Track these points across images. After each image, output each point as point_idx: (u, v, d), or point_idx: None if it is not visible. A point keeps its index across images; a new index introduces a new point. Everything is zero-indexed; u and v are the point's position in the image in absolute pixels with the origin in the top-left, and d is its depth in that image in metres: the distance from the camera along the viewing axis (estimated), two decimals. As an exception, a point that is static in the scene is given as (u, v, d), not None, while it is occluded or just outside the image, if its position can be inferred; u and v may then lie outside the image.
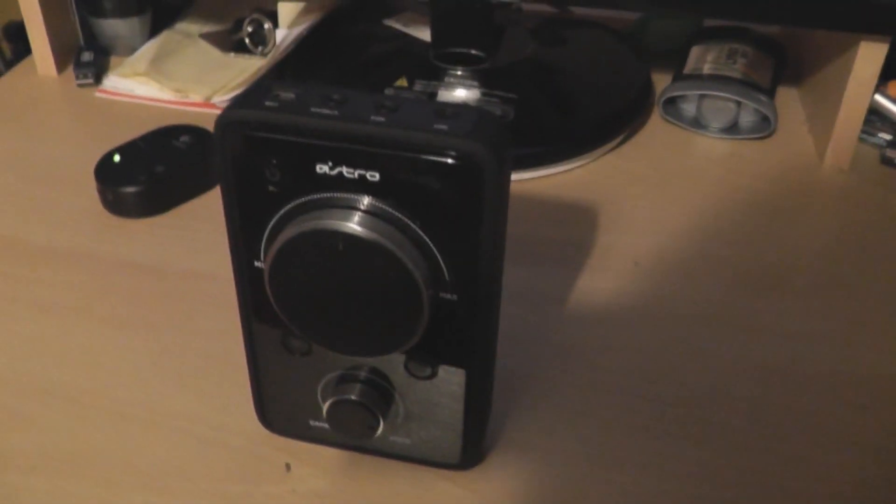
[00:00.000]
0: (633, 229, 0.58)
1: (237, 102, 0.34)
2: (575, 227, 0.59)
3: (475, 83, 0.65)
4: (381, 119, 0.32)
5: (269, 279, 0.35)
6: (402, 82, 0.65)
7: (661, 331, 0.50)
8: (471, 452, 0.41)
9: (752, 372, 0.48)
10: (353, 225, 0.33)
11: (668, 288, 0.54)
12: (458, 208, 0.33)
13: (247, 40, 0.74)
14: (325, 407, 0.39)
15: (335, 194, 0.34)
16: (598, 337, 0.50)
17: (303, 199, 0.34)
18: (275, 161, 0.34)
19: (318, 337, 0.37)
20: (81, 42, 0.78)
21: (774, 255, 0.57)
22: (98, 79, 0.75)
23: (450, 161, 0.31)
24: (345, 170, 0.33)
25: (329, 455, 0.43)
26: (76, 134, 0.70)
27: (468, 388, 0.38)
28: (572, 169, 0.64)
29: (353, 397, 0.38)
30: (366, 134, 0.32)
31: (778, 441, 0.44)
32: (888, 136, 0.69)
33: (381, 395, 0.39)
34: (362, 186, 0.33)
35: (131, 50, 0.77)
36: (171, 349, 0.50)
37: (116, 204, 0.60)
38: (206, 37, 0.77)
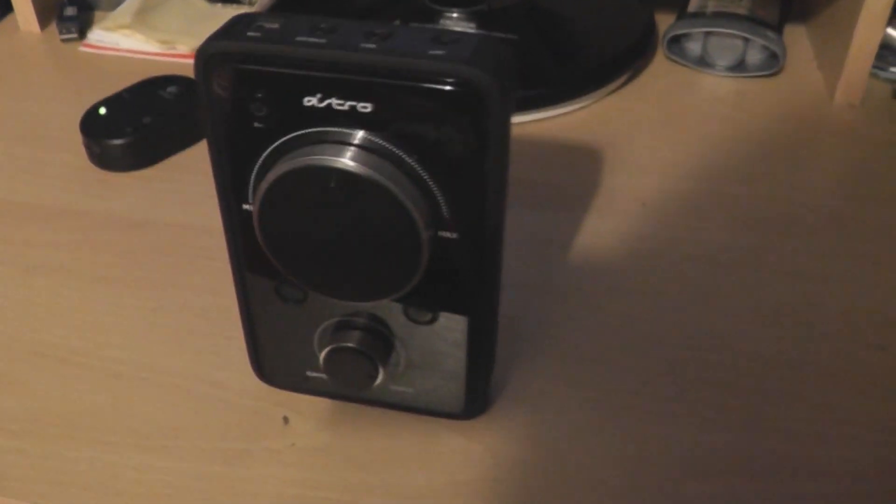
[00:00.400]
0: (638, 170, 0.56)
1: (218, 34, 0.32)
2: (578, 169, 0.57)
3: (472, 25, 0.62)
4: (372, 46, 0.30)
5: (258, 222, 0.34)
6: (396, 26, 0.62)
7: (668, 273, 0.49)
8: (475, 402, 0.39)
9: (762, 313, 0.46)
10: (346, 160, 0.31)
11: (676, 229, 0.52)
12: (458, 140, 0.31)
13: (234, -10, 0.72)
14: (322, 356, 0.37)
15: (326, 128, 0.32)
16: (605, 281, 0.48)
17: (292, 135, 0.32)
18: (260, 95, 0.32)
19: (312, 282, 0.35)
20: (64, -3, 0.75)
21: (784, 194, 0.55)
22: (82, 33, 0.73)
23: (447, 88, 0.29)
24: (335, 101, 0.31)
25: (329, 407, 0.41)
26: (61, 90, 0.68)
27: (471, 334, 0.36)
28: (574, 111, 0.61)
29: (350, 345, 0.37)
30: (355, 62, 0.30)
31: (792, 383, 0.42)
32: (900, 71, 0.67)
33: (380, 342, 0.37)
34: (354, 119, 0.31)
35: (115, 4, 0.75)
36: (164, 306, 0.48)
37: (103, 157, 0.58)
38: (192, -13, 0.75)
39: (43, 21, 0.73)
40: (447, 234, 0.33)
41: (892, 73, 0.67)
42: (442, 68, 0.29)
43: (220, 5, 0.72)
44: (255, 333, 0.40)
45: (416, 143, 0.31)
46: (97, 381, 0.44)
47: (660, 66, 0.68)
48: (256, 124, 0.32)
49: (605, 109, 0.63)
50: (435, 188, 0.32)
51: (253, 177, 0.34)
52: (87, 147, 0.58)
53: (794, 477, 0.38)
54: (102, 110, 0.60)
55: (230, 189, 0.35)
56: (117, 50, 0.70)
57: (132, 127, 0.57)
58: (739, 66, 0.66)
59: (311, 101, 0.31)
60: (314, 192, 0.32)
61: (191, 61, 0.66)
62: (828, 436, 0.40)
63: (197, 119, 0.59)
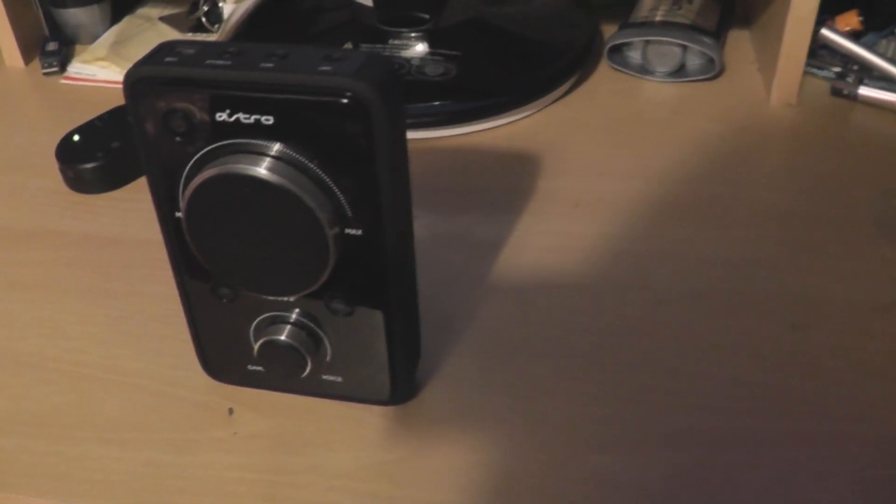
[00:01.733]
0: (576, 173, 0.60)
1: (142, 61, 0.36)
2: (517, 175, 0.60)
3: (419, 44, 0.66)
4: (270, 65, 0.34)
5: (185, 227, 0.37)
6: (348, 47, 0.66)
7: (598, 268, 0.52)
8: (401, 388, 0.43)
9: (686, 299, 0.49)
10: (254, 168, 0.35)
11: (607, 227, 0.55)
12: (349, 146, 0.34)
13: (203, 20, 0.76)
14: (255, 349, 0.41)
15: (237, 140, 0.35)
16: (536, 277, 0.51)
17: (209, 147, 0.36)
18: (178, 112, 0.35)
19: (237, 279, 0.39)
20: (46, 33, 0.80)
21: (720, 190, 0.58)
22: (63, 67, 0.77)
23: (334, 100, 0.33)
24: (241, 116, 0.35)
25: (270, 398, 0.45)
26: (41, 120, 0.72)
27: (387, 325, 0.40)
28: (518, 120, 0.65)
29: (279, 338, 0.40)
30: (254, 80, 0.34)
31: (712, 364, 0.45)
32: (837, 69, 0.70)
33: (307, 334, 0.41)
34: (261, 131, 0.35)
35: (94, 37, 0.79)
36: (128, 314, 0.52)
37: (77, 181, 0.62)
38: (165, 20, 0.79)
39: (27, 56, 0.78)
40: (352, 231, 0.36)
41: (830, 71, 0.70)
42: (328, 82, 0.33)
43: (191, 35, 0.77)
44: (199, 333, 0.44)
45: (314, 149, 0.35)
46: (66, 383, 0.47)
47: (603, 75, 0.71)
48: (178, 139, 0.36)
49: (547, 117, 0.66)
50: (336, 189, 0.35)
51: (181, 187, 0.38)
52: (63, 172, 0.62)
53: (717, 448, 0.41)
54: (76, 137, 0.64)
55: (163, 199, 0.39)
56: (94, 81, 0.74)
57: (103, 152, 0.62)
58: (679, 72, 0.70)
59: (221, 116, 0.35)
60: (230, 198, 0.36)
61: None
62: (749, 412, 0.43)
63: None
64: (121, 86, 0.36)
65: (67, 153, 0.62)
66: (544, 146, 0.63)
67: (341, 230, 0.36)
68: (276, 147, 0.35)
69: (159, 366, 0.48)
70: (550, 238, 0.54)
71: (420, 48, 0.66)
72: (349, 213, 0.36)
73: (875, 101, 0.66)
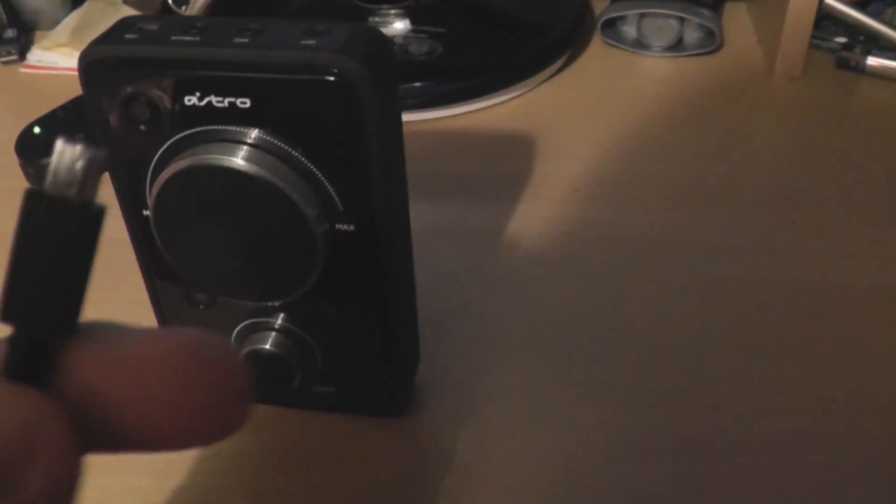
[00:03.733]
0: (572, 155, 0.56)
1: (98, 39, 0.32)
2: (511, 158, 0.56)
3: (402, 21, 0.62)
4: (245, 41, 0.30)
5: (154, 227, 0.33)
6: (327, 27, 0.62)
7: (600, 256, 0.48)
8: (400, 398, 0.39)
9: (697, 289, 0.46)
10: (230, 158, 0.31)
11: (610, 212, 0.51)
12: (337, 130, 0.30)
13: (170, 2, 0.72)
14: (237, 360, 0.37)
15: (210, 127, 0.31)
16: (536, 268, 0.48)
17: (177, 137, 0.32)
18: (141, 97, 0.31)
19: (213, 285, 0.35)
20: (4, 19, 0.75)
21: (724, 170, 0.55)
22: (23, 55, 0.72)
23: (317, 78, 0.29)
24: (214, 99, 0.31)
25: (257, 413, 0.41)
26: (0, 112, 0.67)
27: (384, 328, 0.36)
28: (508, 100, 0.61)
29: (262, 347, 0.36)
30: (227, 58, 0.30)
31: (727, 360, 0.42)
32: (843, 40, 0.66)
33: (294, 342, 0.37)
34: (236, 116, 0.31)
35: (55, 23, 0.75)
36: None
37: (40, 178, 0.57)
38: (130, 3, 0.74)
39: (-17, 46, 0.73)
40: (344, 227, 0.32)
41: (835, 42, 0.67)
42: (310, 58, 0.29)
43: (156, 18, 0.72)
44: (174, 342, 0.39)
45: (298, 135, 0.31)
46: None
47: (596, 51, 0.67)
48: (142, 128, 0.32)
49: (539, 97, 0.62)
50: (325, 180, 0.31)
51: (148, 182, 0.33)
52: (23, 168, 0.58)
53: (733, 454, 0.38)
54: (37, 130, 0.59)
55: (129, 196, 0.34)
56: (56, 69, 0.70)
57: (65, 144, 0.57)
58: (677, 46, 0.66)
59: (191, 100, 0.31)
60: (204, 194, 0.31)
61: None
62: (766, 409, 0.40)
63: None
64: (82, 72, 0.32)
65: (28, 148, 0.58)
66: (537, 127, 0.59)
67: (331, 226, 0.32)
68: (255, 134, 0.31)
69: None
70: (551, 225, 0.50)
71: (402, 25, 0.62)
72: (340, 206, 0.32)
73: (883, 71, 0.63)
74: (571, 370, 0.42)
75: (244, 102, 0.30)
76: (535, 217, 0.51)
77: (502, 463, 0.38)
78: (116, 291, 0.47)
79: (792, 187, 0.53)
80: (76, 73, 0.32)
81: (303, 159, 0.31)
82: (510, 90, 0.60)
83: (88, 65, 0.31)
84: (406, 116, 0.57)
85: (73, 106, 0.61)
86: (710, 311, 0.44)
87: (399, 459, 0.38)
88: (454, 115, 0.59)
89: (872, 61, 0.63)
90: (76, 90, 0.63)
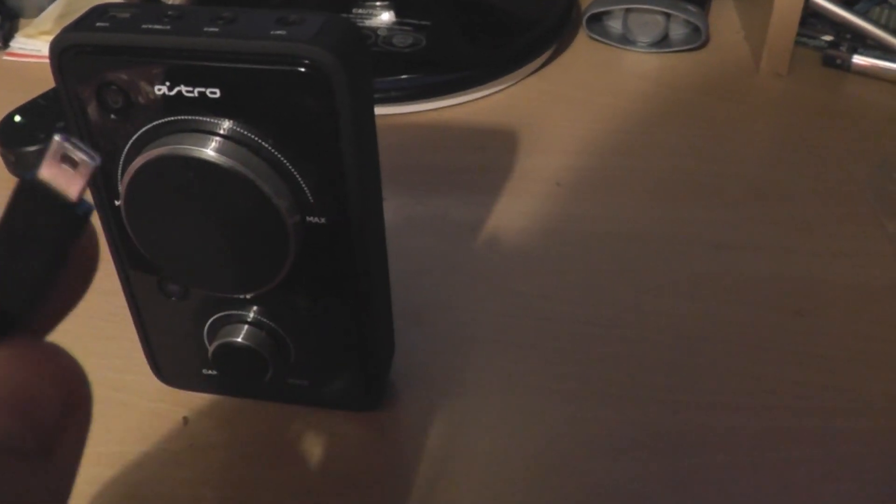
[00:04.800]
0: (555, 150, 0.56)
1: (70, 27, 0.31)
2: (494, 152, 0.56)
3: (386, 13, 0.61)
4: (215, 30, 0.30)
5: (125, 217, 0.33)
6: (311, 18, 0.61)
7: (581, 251, 0.48)
8: (374, 392, 0.39)
9: (677, 286, 0.46)
10: (200, 148, 0.30)
11: (591, 207, 0.51)
12: (309, 122, 0.30)
13: (154, -11, 0.71)
14: (210, 353, 0.37)
15: (180, 117, 0.31)
16: (516, 262, 0.47)
17: (148, 126, 0.31)
18: (113, 86, 0.31)
19: (185, 276, 0.34)
20: (-13, 7, 0.74)
21: (708, 166, 0.54)
22: (6, 42, 0.72)
23: (289, 69, 0.29)
24: (184, 89, 0.30)
25: (229, 405, 0.41)
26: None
27: (356, 321, 0.36)
28: (492, 94, 0.61)
29: (234, 340, 0.36)
30: (197, 47, 0.29)
31: (705, 356, 0.42)
32: (829, 38, 0.66)
33: (267, 334, 0.36)
34: (207, 106, 0.30)
35: (39, 10, 0.74)
36: (75, 312, 0.47)
37: (20, 166, 0.57)
38: (115, -10, 0.74)
39: (-35, 33, 0.72)
40: (315, 220, 0.32)
41: (821, 40, 0.67)
42: (281, 48, 0.29)
43: (141, 7, 0.71)
44: (148, 333, 0.39)
45: (269, 126, 0.30)
46: None
47: (582, 46, 0.67)
48: (113, 117, 0.32)
49: (523, 91, 0.62)
50: (295, 172, 0.31)
51: (120, 171, 0.33)
52: (4, 157, 0.57)
53: (710, 449, 0.38)
54: (18, 118, 0.59)
55: (101, 185, 0.34)
56: (39, 57, 0.69)
57: (46, 133, 0.57)
58: (662, 42, 0.66)
59: (161, 89, 0.30)
60: (174, 184, 0.31)
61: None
62: (746, 406, 0.39)
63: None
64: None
65: (8, 135, 0.57)
66: (521, 122, 0.58)
67: (302, 218, 0.32)
68: (226, 124, 0.31)
69: (107, 370, 0.43)
70: (531, 220, 0.50)
71: (386, 17, 0.62)
72: (311, 199, 0.32)
73: (870, 70, 0.63)
74: (548, 365, 0.42)
75: (214, 93, 0.30)
76: (515, 211, 0.51)
77: (477, 457, 0.38)
78: (96, 283, 0.47)
79: (775, 184, 0.53)
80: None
81: (273, 151, 0.31)
82: (495, 84, 0.60)
83: (60, 52, 0.31)
84: (389, 109, 0.57)
85: (54, 94, 0.60)
86: (690, 308, 0.44)
87: (373, 453, 0.38)
88: (438, 109, 0.59)
89: (859, 60, 0.63)
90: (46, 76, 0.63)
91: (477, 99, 0.60)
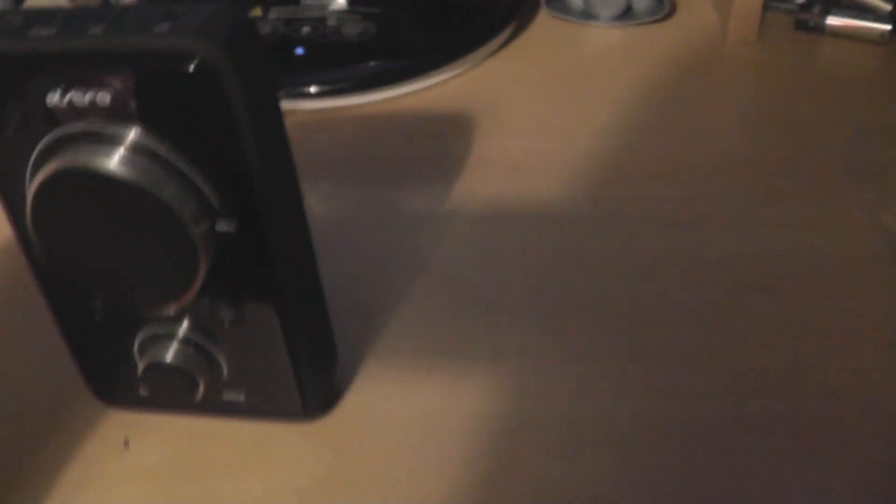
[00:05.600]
0: (514, 134, 0.54)
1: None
2: (450, 138, 0.54)
3: (335, 2, 0.59)
4: (99, 30, 0.27)
5: (32, 232, 0.31)
6: (258, 12, 0.59)
7: (539, 239, 0.46)
8: (314, 400, 0.37)
9: (640, 266, 0.44)
10: (92, 159, 0.28)
11: (550, 191, 0.49)
12: (203, 121, 0.28)
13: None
14: (139, 373, 0.35)
15: (78, 126, 0.29)
16: (472, 252, 0.45)
17: (47, 138, 0.29)
18: (7, 97, 0.29)
19: (100, 291, 0.33)
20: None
21: (676, 142, 0.52)
22: None
23: (171, 66, 0.27)
24: (74, 96, 0.28)
25: (170, 424, 0.39)
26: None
27: (286, 327, 0.34)
28: (449, 79, 0.59)
29: (160, 360, 0.34)
30: (79, 50, 0.27)
31: (672, 342, 0.40)
32: (801, 0, 0.64)
33: (195, 349, 0.34)
34: (99, 112, 0.28)
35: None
36: (14, 335, 0.45)
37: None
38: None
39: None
40: (225, 227, 0.30)
41: (793, 3, 0.64)
42: (163, 44, 0.26)
43: None
44: (80, 353, 0.37)
45: (164, 129, 0.28)
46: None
47: (542, 24, 0.65)
48: (12, 130, 0.30)
49: (482, 74, 0.60)
50: (195, 177, 0.29)
51: (27, 185, 0.31)
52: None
53: (671, 442, 0.36)
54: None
55: (11, 200, 0.32)
56: None
57: None
58: (626, 15, 0.64)
59: (53, 98, 0.28)
60: (73, 199, 0.29)
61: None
62: (710, 391, 0.37)
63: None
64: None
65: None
66: (480, 106, 0.56)
67: (210, 226, 0.30)
68: (120, 131, 0.29)
69: (44, 394, 0.41)
70: (487, 206, 0.48)
71: (335, 6, 0.59)
72: (216, 204, 0.30)
73: (844, 30, 0.60)
74: (505, 362, 0.40)
75: (104, 98, 0.28)
76: (472, 198, 0.49)
77: (428, 464, 0.36)
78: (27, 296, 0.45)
79: (745, 156, 0.51)
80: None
81: (171, 155, 0.29)
82: (451, 68, 0.58)
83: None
84: (342, 101, 0.55)
85: None
86: (653, 289, 0.42)
87: (318, 465, 0.36)
88: (394, 98, 0.57)
89: (833, 20, 0.61)
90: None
91: (434, 85, 0.58)
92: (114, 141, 0.29)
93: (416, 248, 0.46)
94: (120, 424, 0.39)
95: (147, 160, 0.29)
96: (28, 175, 0.31)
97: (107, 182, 0.28)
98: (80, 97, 0.28)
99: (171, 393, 0.35)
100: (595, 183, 0.49)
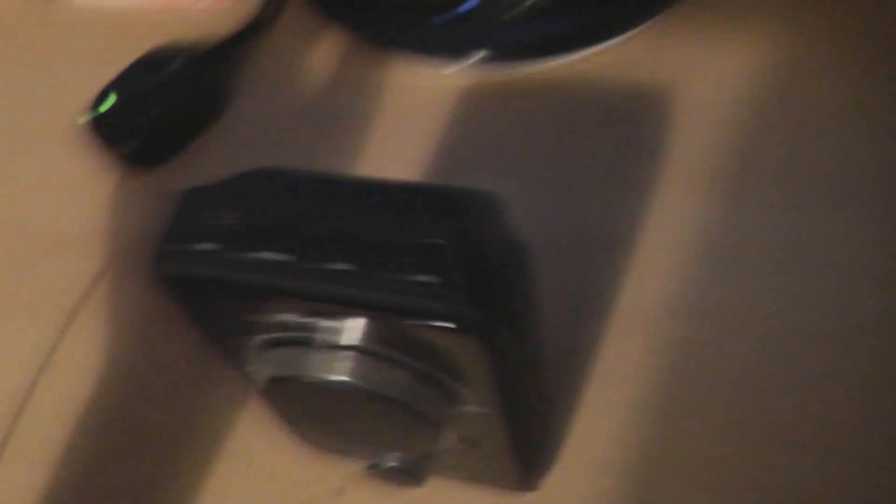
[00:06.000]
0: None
1: (169, 236, 0.28)
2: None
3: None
4: (345, 268, 0.26)
5: (265, 399, 0.32)
6: None
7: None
8: (529, 474, 0.38)
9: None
10: (330, 367, 0.28)
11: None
12: (461, 360, 0.27)
13: None
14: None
15: (310, 333, 0.28)
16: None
17: (272, 336, 0.29)
18: (229, 315, 0.29)
19: (329, 448, 0.34)
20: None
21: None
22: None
23: (440, 325, 0.25)
24: (320, 321, 0.27)
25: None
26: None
27: (514, 449, 0.34)
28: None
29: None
30: (328, 294, 0.26)
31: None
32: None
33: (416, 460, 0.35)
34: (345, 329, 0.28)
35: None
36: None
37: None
38: None
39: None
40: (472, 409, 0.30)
41: None
42: (430, 307, 0.25)
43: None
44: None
45: (415, 353, 0.28)
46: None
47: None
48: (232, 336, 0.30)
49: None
50: (444, 378, 0.29)
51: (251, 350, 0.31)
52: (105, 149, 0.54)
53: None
54: (113, 98, 0.54)
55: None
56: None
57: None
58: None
59: (290, 316, 0.28)
60: (314, 396, 0.29)
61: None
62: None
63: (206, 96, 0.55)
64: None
65: (107, 123, 0.53)
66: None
67: (452, 410, 0.30)
68: (365, 344, 0.28)
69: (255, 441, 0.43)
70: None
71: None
72: (463, 394, 0.29)
73: None
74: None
75: (356, 322, 0.27)
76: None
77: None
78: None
79: None
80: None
81: (419, 365, 0.28)
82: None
83: (164, 280, 0.28)
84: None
85: (144, 64, 0.56)
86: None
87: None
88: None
89: None
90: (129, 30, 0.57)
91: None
92: (361, 349, 0.28)
93: (598, 295, 0.44)
94: (335, 470, 0.41)
95: (390, 366, 0.28)
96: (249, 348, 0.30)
97: (344, 390, 0.28)
98: (326, 320, 0.27)
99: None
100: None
